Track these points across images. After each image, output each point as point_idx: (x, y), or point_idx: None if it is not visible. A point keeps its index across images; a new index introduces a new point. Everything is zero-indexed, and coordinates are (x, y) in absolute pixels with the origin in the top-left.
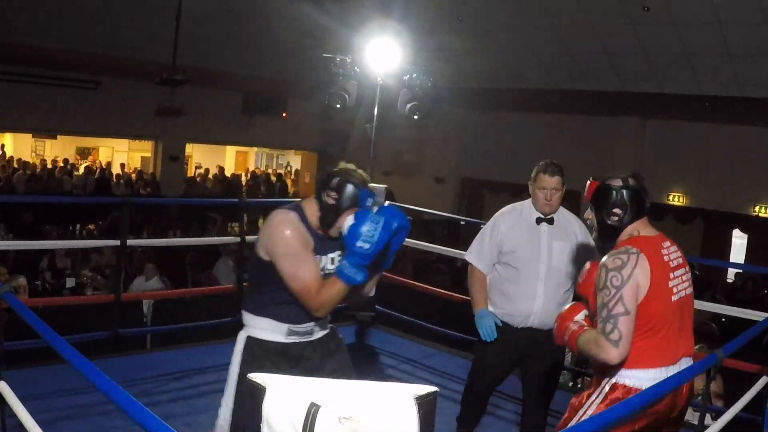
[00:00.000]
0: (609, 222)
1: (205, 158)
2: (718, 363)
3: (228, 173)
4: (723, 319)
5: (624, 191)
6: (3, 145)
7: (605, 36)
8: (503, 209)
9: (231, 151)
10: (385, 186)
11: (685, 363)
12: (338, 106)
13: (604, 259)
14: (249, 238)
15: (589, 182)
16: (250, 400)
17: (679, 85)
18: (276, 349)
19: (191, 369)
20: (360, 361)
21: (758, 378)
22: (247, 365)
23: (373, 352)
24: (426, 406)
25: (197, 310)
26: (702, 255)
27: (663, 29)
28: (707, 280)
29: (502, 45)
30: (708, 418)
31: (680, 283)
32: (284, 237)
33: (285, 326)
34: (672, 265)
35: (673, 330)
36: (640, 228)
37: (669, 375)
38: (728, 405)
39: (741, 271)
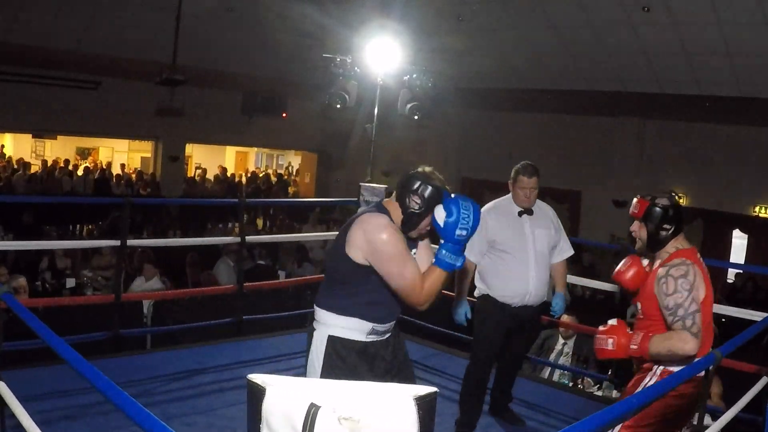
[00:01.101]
0: (660, 236)
1: (205, 158)
2: (716, 363)
3: (228, 173)
4: (723, 320)
5: (671, 210)
6: (2, 146)
7: (605, 36)
8: (486, 206)
9: (231, 151)
10: (386, 186)
11: None
12: (338, 106)
13: (665, 269)
14: (250, 238)
15: (637, 200)
16: (250, 400)
17: (679, 85)
18: (357, 348)
19: (191, 369)
20: None
21: (758, 378)
22: (331, 365)
23: None
24: (426, 407)
25: (197, 310)
26: (702, 255)
27: (663, 29)
28: None
29: (502, 45)
30: (708, 419)
31: (711, 287)
32: (388, 240)
33: (370, 325)
34: (706, 272)
35: (708, 326)
36: (681, 241)
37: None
38: (728, 405)
39: (741, 271)
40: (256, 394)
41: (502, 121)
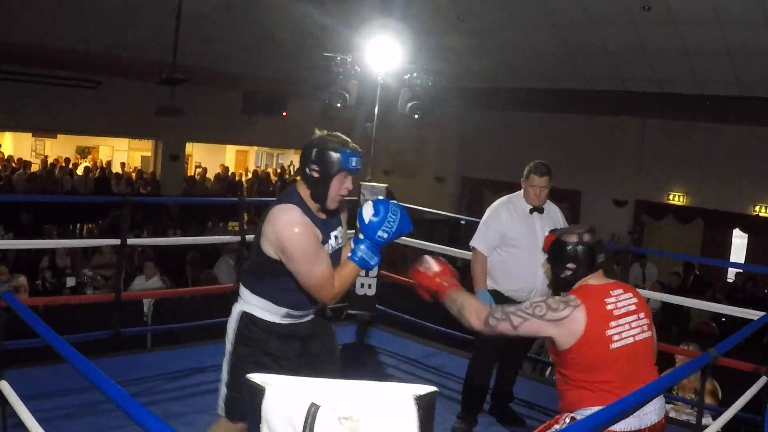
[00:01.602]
0: (563, 277)
1: (205, 157)
2: (711, 361)
3: (228, 172)
4: (723, 319)
5: (578, 248)
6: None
7: (605, 36)
8: (499, 201)
9: (231, 151)
10: (386, 185)
11: (648, 412)
12: (339, 105)
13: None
14: (249, 237)
15: (547, 235)
16: (250, 400)
17: (679, 85)
18: (269, 327)
19: (191, 369)
20: (360, 361)
21: (758, 378)
22: (241, 341)
23: (373, 352)
24: (425, 406)
25: (197, 310)
26: (702, 255)
27: (663, 29)
28: (707, 280)
29: (502, 45)
30: (707, 418)
31: (626, 330)
32: (295, 237)
33: (284, 310)
34: (617, 314)
35: (621, 375)
36: (592, 279)
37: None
38: (727, 405)
39: (741, 271)
40: (256, 393)
41: (502, 121)
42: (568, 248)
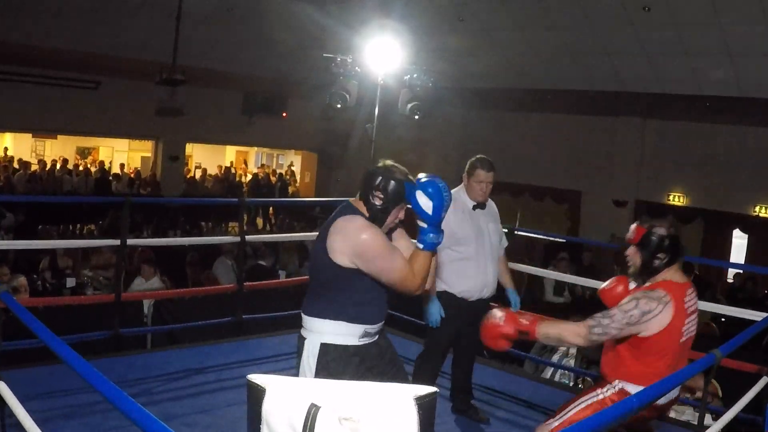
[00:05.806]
0: (653, 265)
1: (205, 158)
2: (716, 363)
3: (230, 170)
4: (723, 319)
5: (669, 239)
6: (6, 148)
7: (605, 36)
8: None
9: (231, 151)
10: None
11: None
12: (339, 106)
13: (641, 293)
14: (249, 237)
15: (635, 226)
16: (250, 400)
17: (679, 85)
18: (350, 352)
19: (191, 369)
20: None
21: (758, 378)
22: (324, 372)
23: None
24: (426, 407)
25: (197, 310)
26: (702, 255)
27: (663, 29)
28: (707, 280)
29: (503, 45)
30: (708, 418)
31: (690, 327)
32: (370, 240)
33: (361, 328)
34: (688, 312)
35: (675, 361)
36: (674, 273)
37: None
38: (728, 405)
39: (741, 271)
40: (256, 394)
41: (502, 121)
42: (661, 239)
